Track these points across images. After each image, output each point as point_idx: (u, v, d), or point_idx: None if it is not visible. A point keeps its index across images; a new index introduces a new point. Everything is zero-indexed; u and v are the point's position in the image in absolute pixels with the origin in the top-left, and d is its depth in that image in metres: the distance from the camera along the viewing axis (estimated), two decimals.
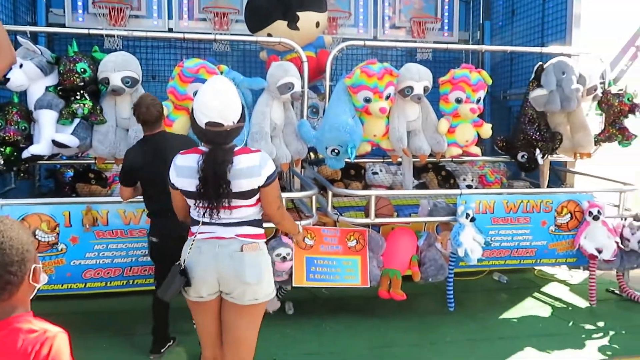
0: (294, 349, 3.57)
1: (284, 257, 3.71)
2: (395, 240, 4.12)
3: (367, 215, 4.09)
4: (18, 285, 1.28)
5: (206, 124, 2.16)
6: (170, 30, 6.05)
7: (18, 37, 3.69)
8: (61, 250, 3.54)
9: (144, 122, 3.23)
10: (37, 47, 3.66)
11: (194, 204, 2.24)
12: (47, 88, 3.64)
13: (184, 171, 2.25)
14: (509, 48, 5.26)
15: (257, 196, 2.28)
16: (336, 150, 4.04)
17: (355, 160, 4.29)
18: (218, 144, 2.21)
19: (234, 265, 2.23)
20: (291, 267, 3.83)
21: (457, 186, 5.32)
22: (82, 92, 3.68)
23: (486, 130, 4.56)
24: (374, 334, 3.83)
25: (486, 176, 5.47)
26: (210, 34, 5.25)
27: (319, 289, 4.47)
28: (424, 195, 4.58)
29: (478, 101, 4.43)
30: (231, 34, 5.86)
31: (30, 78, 3.57)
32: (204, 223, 2.26)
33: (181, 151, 2.33)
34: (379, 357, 3.47)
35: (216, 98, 2.15)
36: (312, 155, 5.11)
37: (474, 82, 4.37)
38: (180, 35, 4.44)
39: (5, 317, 1.28)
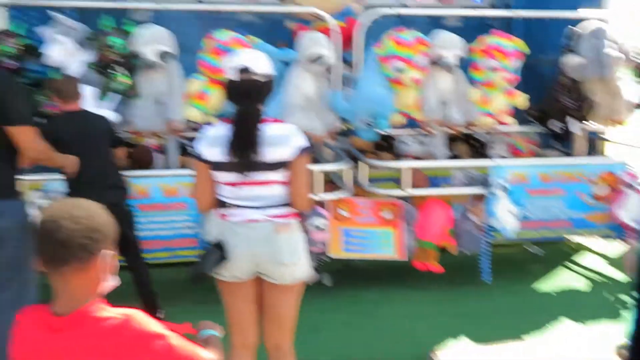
0: (332, 319, 3.62)
1: (318, 227, 3.73)
2: (429, 212, 4.12)
3: (401, 187, 4.09)
4: (91, 255, 1.23)
5: (239, 70, 2.15)
6: (200, 1, 5.95)
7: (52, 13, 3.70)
8: None
9: (60, 93, 3.16)
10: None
11: (226, 176, 2.16)
12: (85, 63, 3.67)
13: (216, 140, 2.16)
14: (545, 14, 5.08)
15: (287, 173, 2.21)
16: (369, 122, 4.03)
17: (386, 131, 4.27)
18: (249, 102, 2.17)
19: (269, 248, 2.17)
20: (327, 238, 3.87)
21: (488, 156, 5.26)
22: (118, 67, 3.70)
23: (521, 100, 4.48)
24: (407, 304, 3.86)
25: (518, 146, 5.39)
26: (238, 4, 5.20)
27: (354, 260, 4.51)
28: (457, 166, 4.55)
29: (512, 70, 4.35)
30: (258, 4, 5.75)
31: (68, 54, 3.60)
32: (237, 206, 2.18)
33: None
34: (413, 326, 3.52)
35: (246, 51, 2.56)
36: (344, 127, 5.07)
37: (508, 50, 4.28)
38: (213, 7, 4.40)
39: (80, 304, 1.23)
